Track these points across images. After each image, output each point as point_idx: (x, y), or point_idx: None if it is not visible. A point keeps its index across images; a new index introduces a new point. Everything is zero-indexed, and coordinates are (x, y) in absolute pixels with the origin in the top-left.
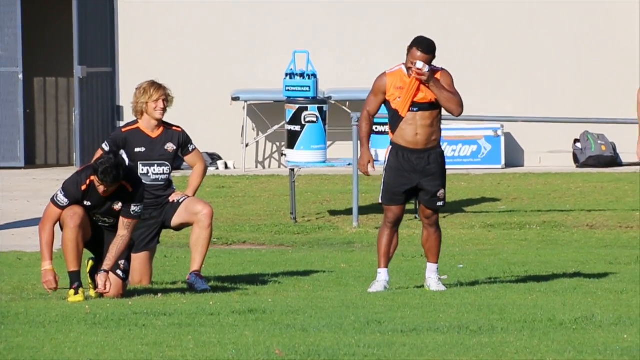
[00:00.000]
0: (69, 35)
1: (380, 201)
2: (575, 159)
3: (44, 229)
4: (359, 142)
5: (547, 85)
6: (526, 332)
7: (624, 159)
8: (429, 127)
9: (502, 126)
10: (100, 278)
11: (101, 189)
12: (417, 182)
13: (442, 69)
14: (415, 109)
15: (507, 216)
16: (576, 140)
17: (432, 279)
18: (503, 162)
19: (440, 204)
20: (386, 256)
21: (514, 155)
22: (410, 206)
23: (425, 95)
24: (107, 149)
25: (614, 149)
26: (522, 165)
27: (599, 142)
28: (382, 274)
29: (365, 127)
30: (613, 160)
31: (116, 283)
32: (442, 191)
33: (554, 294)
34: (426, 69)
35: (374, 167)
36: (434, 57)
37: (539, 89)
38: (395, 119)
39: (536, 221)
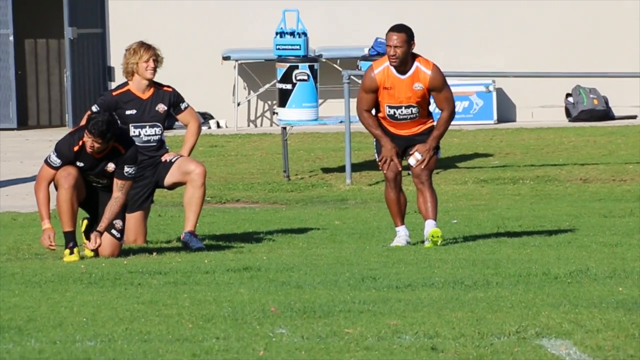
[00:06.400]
0: None
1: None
2: (568, 113)
3: (39, 189)
4: (375, 137)
5: (538, 39)
6: (521, 286)
7: (616, 112)
8: (413, 124)
9: (494, 82)
10: (92, 237)
11: (88, 142)
12: (404, 145)
13: (432, 70)
14: (400, 114)
15: (500, 171)
16: (568, 95)
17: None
18: (495, 117)
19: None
20: (399, 214)
21: (506, 111)
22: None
23: (411, 96)
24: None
25: (606, 102)
26: (514, 121)
27: (591, 96)
28: (401, 231)
29: (371, 121)
30: (605, 114)
31: (111, 242)
32: (419, 155)
33: (548, 248)
34: (419, 156)
35: (398, 156)
36: (407, 34)
37: (531, 43)
38: (379, 110)
39: (529, 176)
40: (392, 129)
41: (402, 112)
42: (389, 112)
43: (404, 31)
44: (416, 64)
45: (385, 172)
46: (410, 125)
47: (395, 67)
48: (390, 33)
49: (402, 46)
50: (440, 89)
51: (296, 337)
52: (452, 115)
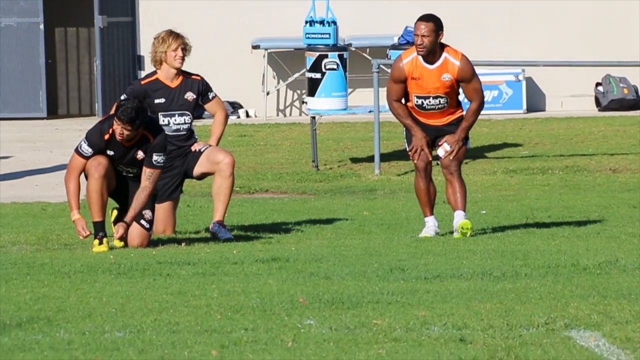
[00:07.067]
0: None
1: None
2: (597, 102)
3: (70, 179)
4: (405, 127)
5: (568, 28)
6: (550, 278)
7: None
8: (442, 114)
9: (523, 70)
10: (117, 227)
11: (118, 130)
12: (434, 135)
13: (461, 60)
14: (428, 104)
15: (529, 161)
16: (598, 84)
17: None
18: (524, 106)
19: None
20: (428, 205)
21: (535, 100)
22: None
23: (439, 87)
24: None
25: (636, 92)
26: (544, 110)
27: (621, 85)
28: (430, 221)
29: (401, 111)
30: (635, 104)
31: (140, 233)
32: (447, 146)
33: (577, 238)
34: (448, 147)
35: (428, 146)
36: (435, 24)
37: (561, 32)
38: (409, 99)
39: (559, 166)
40: (421, 119)
41: (430, 102)
42: (417, 102)
43: (432, 20)
44: (445, 54)
45: (415, 161)
46: (439, 115)
47: (423, 56)
48: (418, 22)
49: (430, 35)
50: (469, 80)
51: (324, 328)
52: (481, 106)
